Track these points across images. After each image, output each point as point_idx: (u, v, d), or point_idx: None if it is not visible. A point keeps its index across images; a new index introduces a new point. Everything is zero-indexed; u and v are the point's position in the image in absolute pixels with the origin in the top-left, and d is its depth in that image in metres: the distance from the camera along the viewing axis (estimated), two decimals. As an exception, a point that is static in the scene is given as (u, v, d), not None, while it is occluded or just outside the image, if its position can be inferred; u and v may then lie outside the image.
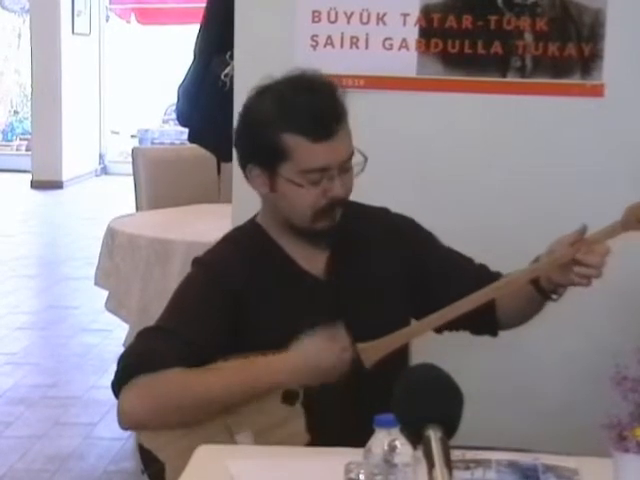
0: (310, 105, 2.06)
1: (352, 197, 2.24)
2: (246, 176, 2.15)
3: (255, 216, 2.24)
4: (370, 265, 2.21)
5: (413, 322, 2.26)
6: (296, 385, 1.99)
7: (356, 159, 2.12)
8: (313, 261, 2.17)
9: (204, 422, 1.98)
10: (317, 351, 1.98)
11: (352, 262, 2.19)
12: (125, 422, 2.01)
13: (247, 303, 2.09)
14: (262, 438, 1.98)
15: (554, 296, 2.13)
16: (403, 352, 2.16)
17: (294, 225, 2.12)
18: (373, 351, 2.05)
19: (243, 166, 2.15)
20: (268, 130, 2.06)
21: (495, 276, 2.24)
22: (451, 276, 2.24)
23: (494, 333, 2.29)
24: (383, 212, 2.30)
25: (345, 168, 2.08)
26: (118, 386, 2.00)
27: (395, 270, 2.22)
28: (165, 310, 2.12)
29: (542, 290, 2.12)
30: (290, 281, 2.15)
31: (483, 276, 2.24)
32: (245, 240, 2.21)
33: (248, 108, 2.15)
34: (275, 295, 2.12)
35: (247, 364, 2.00)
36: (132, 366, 1.99)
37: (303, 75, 2.11)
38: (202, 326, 2.04)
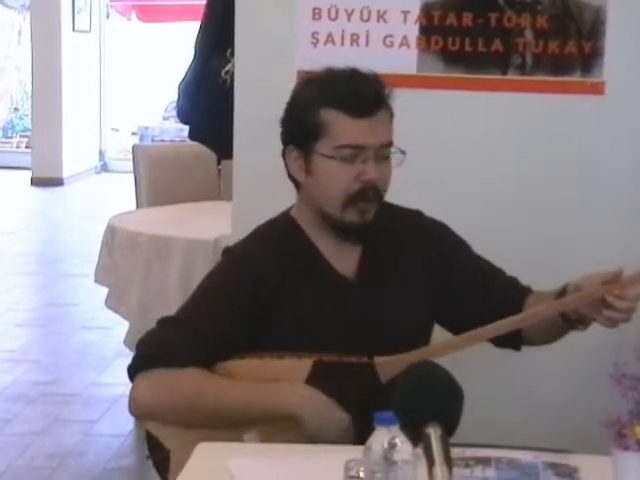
0: (352, 84, 2.08)
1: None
2: (286, 164, 2.15)
3: (290, 208, 2.22)
4: (400, 267, 2.20)
5: (433, 341, 2.24)
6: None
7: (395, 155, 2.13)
8: (345, 260, 2.15)
9: (209, 427, 1.98)
10: (325, 421, 1.96)
11: (383, 263, 2.18)
12: (135, 410, 2.03)
13: (273, 300, 2.08)
14: (269, 437, 1.98)
15: (580, 326, 2.12)
16: None
17: (326, 214, 2.11)
18: (390, 367, 2.01)
19: (283, 151, 2.15)
20: (308, 108, 2.08)
21: (525, 291, 2.24)
22: (479, 285, 2.23)
23: (517, 348, 2.29)
24: (416, 215, 2.30)
25: (382, 155, 2.08)
26: (133, 373, 2.01)
27: (424, 274, 2.21)
28: (189, 299, 2.13)
29: (568, 319, 2.10)
30: (318, 280, 2.14)
31: (512, 289, 2.24)
32: (277, 234, 2.19)
33: (293, 94, 2.17)
34: (302, 293, 2.11)
35: (262, 387, 1.99)
36: (149, 357, 2.00)
37: (352, 67, 2.13)
38: (222, 321, 2.04)
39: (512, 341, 2.24)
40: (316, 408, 1.96)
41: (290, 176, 2.16)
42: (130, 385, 2.04)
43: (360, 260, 2.16)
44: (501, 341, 2.21)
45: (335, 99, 2.06)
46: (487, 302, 2.17)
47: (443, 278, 2.22)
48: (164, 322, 2.09)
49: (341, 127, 2.05)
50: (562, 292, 2.09)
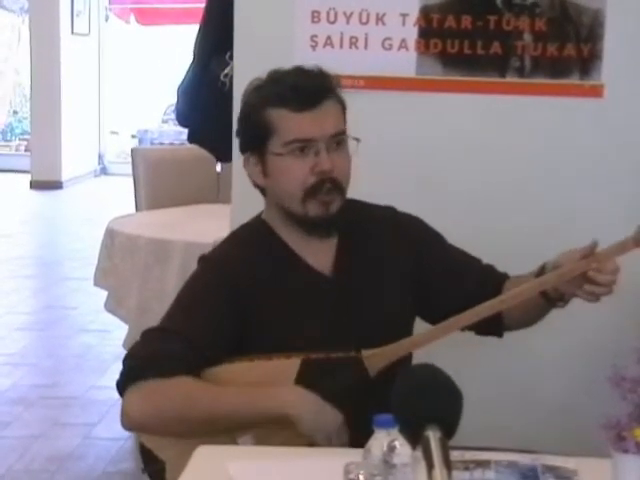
0: (293, 80, 2.10)
1: (350, 195, 2.24)
2: (248, 172, 2.17)
3: (261, 213, 2.24)
4: (376, 263, 2.20)
5: (416, 331, 2.26)
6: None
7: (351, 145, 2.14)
8: (320, 257, 2.16)
9: (204, 435, 1.97)
10: (318, 420, 1.95)
11: (359, 259, 2.19)
12: (127, 424, 2.01)
13: (253, 301, 2.08)
14: (264, 441, 1.98)
15: (560, 303, 2.14)
16: (406, 359, 2.16)
17: (289, 212, 2.12)
18: (377, 359, 2.04)
19: (244, 161, 2.17)
20: (256, 111, 2.10)
21: (502, 277, 2.25)
22: (456, 276, 2.25)
23: (500, 334, 2.29)
24: (390, 211, 2.30)
25: (334, 144, 2.09)
26: (123, 386, 2.00)
27: (401, 269, 2.22)
28: (170, 309, 2.11)
29: (549, 298, 2.12)
30: (296, 279, 2.14)
31: (489, 277, 2.25)
32: (251, 237, 2.20)
33: (244, 101, 2.19)
34: (281, 293, 2.12)
35: (253, 392, 1.98)
36: (137, 369, 1.98)
37: (296, 65, 2.15)
38: (206, 326, 2.03)
39: (494, 327, 2.24)
40: (310, 406, 1.95)
41: (254, 184, 2.18)
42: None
43: (336, 256, 2.17)
44: (483, 328, 2.22)
45: (278, 97, 2.08)
46: (465, 291, 2.19)
47: (420, 271, 2.23)
48: (148, 333, 2.07)
49: (286, 123, 2.07)
50: (540, 272, 2.11)
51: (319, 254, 2.16)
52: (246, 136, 2.16)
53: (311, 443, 1.96)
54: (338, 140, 2.10)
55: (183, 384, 1.97)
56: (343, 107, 2.14)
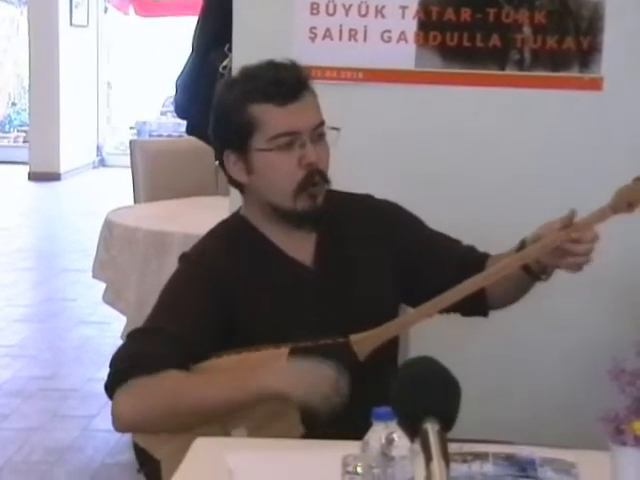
0: (272, 74, 2.09)
1: (350, 189, 2.25)
2: (225, 170, 2.16)
3: (239, 210, 2.24)
4: (357, 251, 2.21)
5: (403, 311, 2.27)
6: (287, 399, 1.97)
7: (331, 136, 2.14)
8: (300, 249, 2.16)
9: (197, 427, 1.96)
10: (310, 382, 1.95)
11: (339, 248, 2.20)
12: (119, 425, 2.00)
13: (237, 296, 2.08)
14: (257, 432, 1.97)
15: (543, 276, 2.14)
16: (393, 342, 2.17)
17: (277, 207, 2.11)
18: (366, 343, 2.05)
19: (220, 158, 2.16)
20: (235, 109, 2.09)
21: (483, 257, 2.26)
22: (438, 259, 2.25)
23: (485, 314, 2.30)
24: (367, 198, 2.31)
25: (317, 136, 2.09)
26: (111, 389, 1.99)
27: (382, 255, 2.23)
28: (154, 308, 2.10)
29: (531, 272, 2.12)
30: (278, 271, 2.14)
31: (470, 258, 2.26)
32: (231, 233, 2.20)
33: (217, 100, 2.18)
34: (264, 286, 2.12)
35: (241, 374, 1.98)
36: (123, 370, 1.97)
37: (269, 60, 2.14)
38: (192, 322, 2.03)
39: (478, 306, 2.24)
40: (297, 377, 1.95)
41: (232, 181, 2.17)
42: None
43: (316, 247, 2.17)
44: (467, 308, 2.22)
45: (258, 93, 2.07)
46: (448, 274, 2.18)
47: (401, 258, 2.23)
48: (133, 334, 2.07)
49: (271, 118, 2.06)
50: (521, 246, 2.11)
51: (300, 246, 2.16)
52: (225, 135, 2.14)
53: (304, 436, 1.96)
54: (319, 131, 2.10)
55: (170, 377, 1.96)
56: (316, 98, 2.15)
